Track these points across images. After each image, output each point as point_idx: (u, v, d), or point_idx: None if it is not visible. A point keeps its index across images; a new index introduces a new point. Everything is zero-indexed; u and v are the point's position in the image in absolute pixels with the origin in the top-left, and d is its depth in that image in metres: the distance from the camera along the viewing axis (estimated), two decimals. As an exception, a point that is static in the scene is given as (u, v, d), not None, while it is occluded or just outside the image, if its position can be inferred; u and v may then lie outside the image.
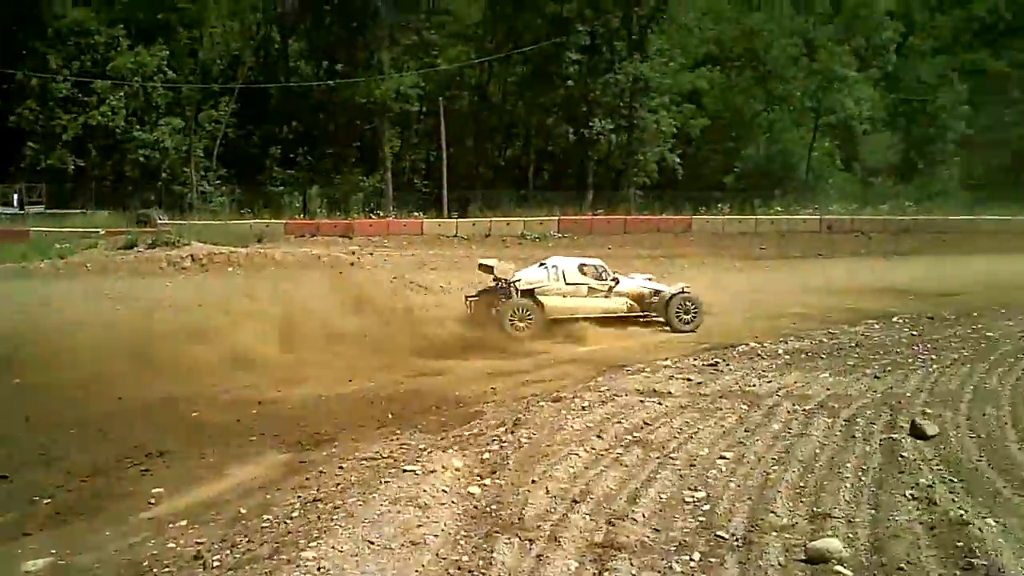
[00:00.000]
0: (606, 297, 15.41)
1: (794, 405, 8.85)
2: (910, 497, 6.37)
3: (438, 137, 41.89)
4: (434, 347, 13.68)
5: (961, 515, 5.96)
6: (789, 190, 47.53)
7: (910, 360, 11.12)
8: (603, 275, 15.53)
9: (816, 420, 8.34)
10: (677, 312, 15.31)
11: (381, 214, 38.95)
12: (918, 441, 7.73)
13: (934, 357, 11.26)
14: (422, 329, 14.65)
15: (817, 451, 7.45)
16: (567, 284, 15.27)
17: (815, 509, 6.15)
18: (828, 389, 9.58)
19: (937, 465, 7.14)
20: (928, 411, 8.67)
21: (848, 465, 7.08)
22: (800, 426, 8.17)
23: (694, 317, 15.37)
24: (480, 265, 16.15)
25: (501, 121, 50.00)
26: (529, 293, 15.03)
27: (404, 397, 10.85)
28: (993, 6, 54.01)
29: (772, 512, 6.09)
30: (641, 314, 15.61)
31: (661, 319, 15.57)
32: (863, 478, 6.80)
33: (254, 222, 33.51)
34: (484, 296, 15.59)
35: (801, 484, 6.65)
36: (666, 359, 11.46)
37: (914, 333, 13.25)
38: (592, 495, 6.38)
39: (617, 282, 15.56)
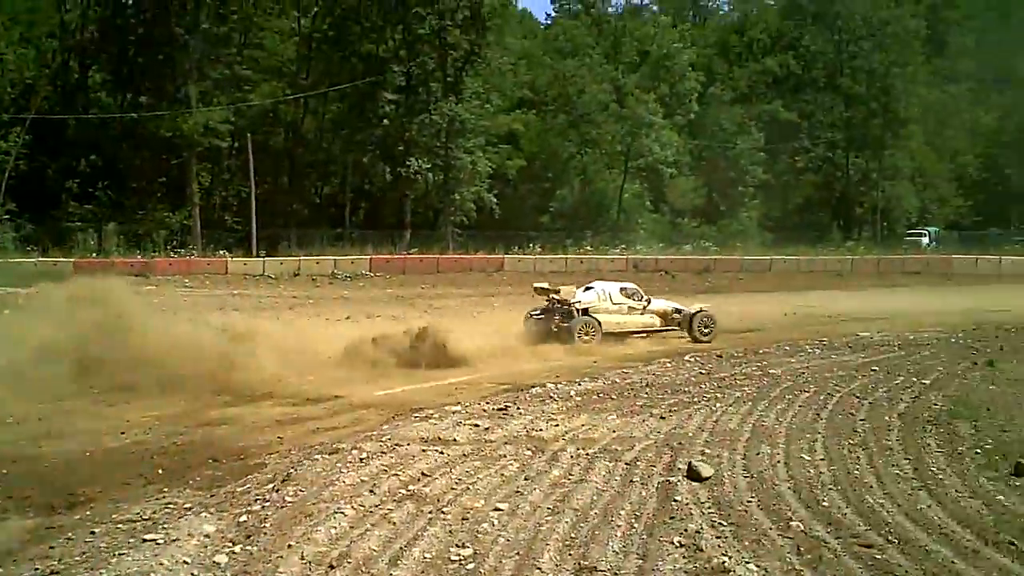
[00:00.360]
0: (641, 314, 18.36)
1: (578, 450, 8.74)
2: (678, 544, 6.30)
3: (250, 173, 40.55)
4: (224, 394, 12.84)
5: (724, 562, 5.93)
6: (602, 230, 49.04)
7: (696, 399, 11.32)
8: (636, 296, 18.43)
9: (598, 465, 8.25)
10: (699, 327, 18.38)
11: (183, 252, 37.14)
12: (693, 483, 7.76)
13: (719, 396, 11.51)
14: (212, 375, 13.72)
15: (594, 498, 7.32)
16: (613, 304, 18.14)
17: (582, 563, 5.95)
18: (614, 432, 9.55)
19: (709, 508, 7.15)
20: (707, 451, 8.77)
21: (622, 512, 6.97)
22: (581, 472, 8.04)
23: (711, 331, 18.44)
24: (537, 288, 18.61)
25: (317, 158, 49.06)
26: (586, 312, 17.65)
27: (180, 450, 9.98)
28: (784, 61, 58.13)
29: (538, 568, 5.85)
30: (666, 328, 18.55)
31: (682, 332, 18.58)
32: (635, 525, 6.70)
33: (39, 260, 31.09)
34: (547, 315, 17.93)
35: (573, 535, 6.46)
36: (458, 403, 11.16)
37: (703, 371, 13.56)
38: (351, 559, 5.94)
39: (649, 302, 18.52)
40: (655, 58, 54.15)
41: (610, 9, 63.75)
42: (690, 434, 9.48)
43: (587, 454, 8.59)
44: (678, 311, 18.71)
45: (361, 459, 8.31)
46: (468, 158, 44.71)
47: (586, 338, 17.26)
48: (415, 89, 45.70)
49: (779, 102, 56.94)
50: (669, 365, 14.21)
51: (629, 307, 18.26)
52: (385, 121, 45.36)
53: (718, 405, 10.94)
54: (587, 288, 18.49)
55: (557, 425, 9.78)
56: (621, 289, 18.56)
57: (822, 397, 11.49)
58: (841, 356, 15.33)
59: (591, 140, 51.68)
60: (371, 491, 7.33)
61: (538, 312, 18.25)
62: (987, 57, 65.44)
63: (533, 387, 12.35)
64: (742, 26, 65.45)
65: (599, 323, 17.62)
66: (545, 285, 18.69)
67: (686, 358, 14.92)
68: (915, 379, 12.91)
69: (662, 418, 10.19)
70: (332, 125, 48.64)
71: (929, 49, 61.84)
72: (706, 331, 18.40)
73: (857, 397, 11.52)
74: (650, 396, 11.54)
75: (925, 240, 53.17)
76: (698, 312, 18.67)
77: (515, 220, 48.84)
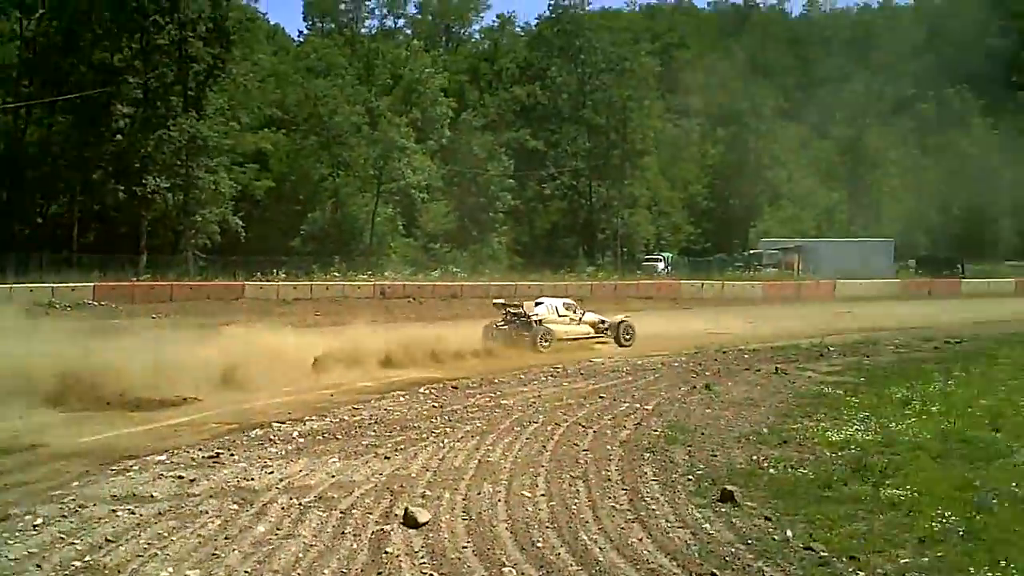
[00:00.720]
0: (579, 325, 21.84)
1: (291, 499, 8.19)
2: (381, 604, 5.94)
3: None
4: None
5: (425, 621, 5.63)
6: (355, 254, 48.31)
7: (425, 435, 11.05)
8: (574, 310, 22.08)
9: (310, 516, 7.75)
10: (622, 334, 22.15)
11: None
12: (409, 530, 7.44)
13: (448, 430, 11.31)
14: None
15: (300, 555, 6.82)
16: (559, 316, 21.56)
17: (271, 636, 5.45)
18: (333, 476, 9.06)
19: (421, 558, 6.86)
20: (428, 493, 8.50)
21: (327, 570, 6.54)
22: (291, 525, 7.51)
23: (631, 337, 22.20)
24: (496, 304, 22.72)
25: (41, 174, 44.87)
26: (540, 323, 20.91)
27: None
28: (532, 91, 60.24)
29: (219, 648, 5.27)
30: (596, 336, 22.01)
31: (605, 340, 22.07)
32: (339, 585, 6.27)
33: None
34: (508, 326, 21.13)
35: (268, 602, 5.93)
36: (165, 451, 10.19)
37: (435, 404, 13.31)
38: (-7, 656, 5.10)
39: (584, 315, 22.17)
40: (408, 82, 54.37)
41: (363, 30, 63.67)
42: (413, 475, 9.18)
43: (300, 504, 8.05)
44: (603, 322, 22.41)
45: (35, 526, 7.31)
46: (210, 177, 42.60)
47: (545, 344, 20.50)
48: (152, 103, 43.13)
49: (527, 131, 58.88)
50: (403, 399, 13.83)
51: (570, 318, 21.74)
52: (119, 136, 42.57)
53: (446, 441, 10.74)
54: (538, 303, 21.89)
55: (272, 472, 9.15)
56: (564, 304, 22.13)
57: (550, 428, 11.58)
58: (573, 383, 15.67)
59: (343, 162, 50.98)
60: (38, 566, 6.43)
61: (500, 323, 21.44)
62: (713, 95, 71.36)
63: (257, 428, 11.60)
64: (492, 55, 67.31)
65: (552, 332, 20.87)
66: (503, 300, 23.15)
67: (420, 390, 14.61)
68: (639, 405, 13.37)
69: (386, 458, 9.83)
70: (59, 138, 44.77)
71: (663, 85, 66.46)
72: (627, 337, 22.21)
73: (583, 426, 11.72)
74: (378, 434, 11.13)
75: (661, 265, 56.13)
76: (620, 323, 22.62)
77: (264, 243, 47.12)
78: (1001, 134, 73.66)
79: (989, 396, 14.30)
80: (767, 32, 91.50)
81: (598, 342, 22.05)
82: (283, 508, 7.94)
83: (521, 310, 21.42)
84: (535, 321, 20.90)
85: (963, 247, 63.00)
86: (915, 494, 8.64)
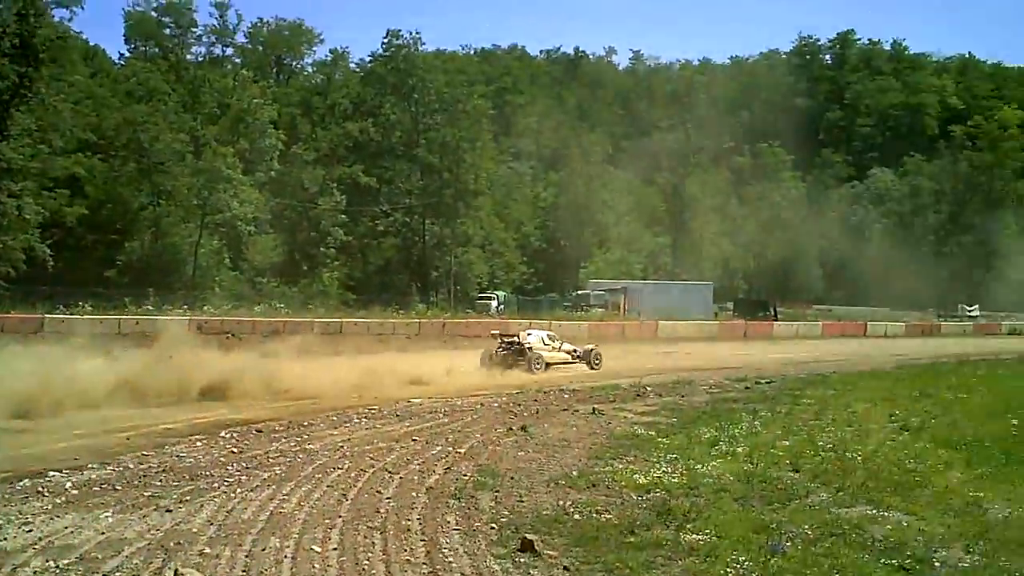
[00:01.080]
0: (559, 352, 26.09)
1: (47, 561, 7.32)
2: None
3: None
4: None
5: None
6: (176, 287, 46.21)
7: (216, 484, 10.28)
8: (555, 340, 26.56)
9: (65, 581, 6.93)
10: (593, 359, 26.55)
11: None
12: (178, 594, 6.76)
13: (243, 479, 10.58)
14: None
15: (44, 628, 6.05)
16: (544, 344, 25.89)
17: None
18: (103, 533, 8.21)
19: (186, 626, 6.21)
20: (208, 551, 7.80)
21: (73, 645, 5.80)
22: (40, 592, 6.69)
23: (599, 361, 26.71)
24: (493, 334, 27.40)
25: None
26: (531, 350, 25.10)
27: None
28: (364, 128, 59.85)
29: None
30: (572, 361, 26.15)
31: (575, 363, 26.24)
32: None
33: None
34: (506, 352, 25.17)
35: None
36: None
37: (235, 450, 12.43)
38: None
39: (562, 344, 26.49)
40: (235, 112, 52.85)
41: (189, 57, 61.57)
42: (195, 530, 8.43)
43: (57, 567, 7.20)
44: (575, 350, 26.74)
45: None
46: (14, 202, 39.73)
47: (537, 367, 24.63)
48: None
49: (360, 166, 58.33)
50: (200, 444, 12.90)
51: (553, 347, 26.01)
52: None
53: (239, 490, 10.01)
54: (529, 333, 26.47)
55: (31, 530, 8.19)
56: (547, 335, 26.89)
57: (354, 474, 11.04)
58: (386, 426, 15.12)
59: (165, 191, 48.83)
60: None
61: (500, 349, 25.36)
62: (546, 139, 73.17)
63: (28, 478, 10.50)
64: (325, 89, 66.45)
65: (542, 357, 25.07)
66: (498, 331, 27.73)
67: (222, 434, 13.75)
68: (451, 448, 12.99)
69: (168, 511, 9.02)
70: None
71: (497, 128, 67.56)
72: (597, 362, 26.61)
73: (389, 472, 11.24)
74: (164, 484, 10.27)
75: (494, 304, 56.28)
76: (591, 350, 27.19)
77: (79, 274, 44.38)
78: (808, 187, 79.22)
79: (791, 436, 14.68)
80: (596, 82, 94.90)
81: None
82: (36, 572, 7.09)
83: (516, 339, 25.72)
84: (528, 348, 25.10)
85: (775, 291, 66.80)
86: (714, 538, 8.61)
